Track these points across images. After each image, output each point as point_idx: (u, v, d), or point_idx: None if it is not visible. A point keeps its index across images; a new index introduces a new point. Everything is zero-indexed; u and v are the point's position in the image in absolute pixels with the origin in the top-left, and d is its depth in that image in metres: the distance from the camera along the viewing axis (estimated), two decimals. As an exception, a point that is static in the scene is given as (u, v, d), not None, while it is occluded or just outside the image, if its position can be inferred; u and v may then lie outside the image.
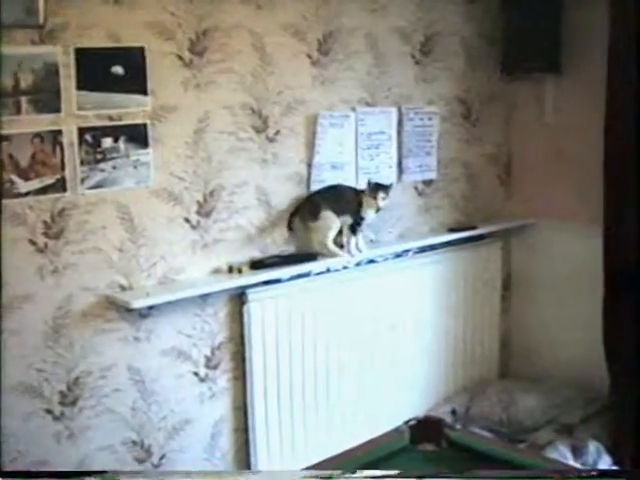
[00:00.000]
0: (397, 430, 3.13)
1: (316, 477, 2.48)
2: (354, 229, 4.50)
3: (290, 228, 4.43)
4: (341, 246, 4.52)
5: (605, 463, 4.57)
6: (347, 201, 4.48)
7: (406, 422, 3.14)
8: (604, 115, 4.57)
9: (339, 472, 2.59)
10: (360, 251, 4.57)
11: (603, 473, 2.68)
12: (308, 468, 3.00)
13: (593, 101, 4.67)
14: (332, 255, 4.47)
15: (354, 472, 2.62)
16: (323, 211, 4.40)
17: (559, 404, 5.08)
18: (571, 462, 4.41)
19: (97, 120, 3.76)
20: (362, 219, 4.50)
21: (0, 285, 3.55)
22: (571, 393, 5.14)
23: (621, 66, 4.45)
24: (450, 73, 5.09)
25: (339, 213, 4.43)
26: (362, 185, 4.60)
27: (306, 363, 4.51)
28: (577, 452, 4.61)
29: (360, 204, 4.48)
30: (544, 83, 5.20)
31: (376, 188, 4.47)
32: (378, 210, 4.52)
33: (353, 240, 4.52)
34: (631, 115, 4.41)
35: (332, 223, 4.43)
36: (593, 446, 4.63)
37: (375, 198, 4.46)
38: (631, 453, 4.63)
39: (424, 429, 3.10)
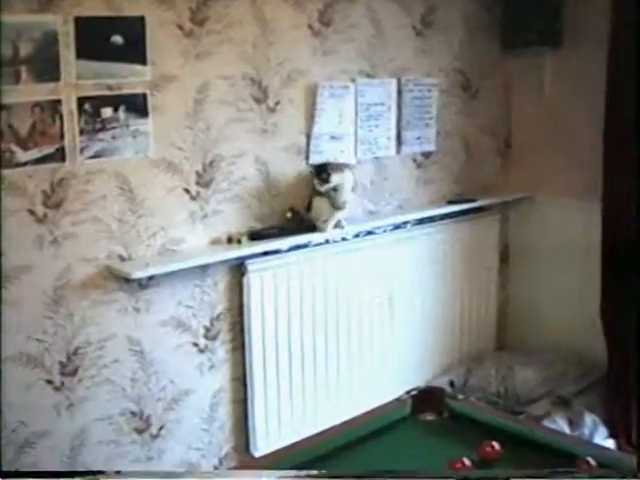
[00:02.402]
0: (399, 400, 3.13)
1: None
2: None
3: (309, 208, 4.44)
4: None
5: (601, 435, 4.59)
6: None
7: (408, 392, 3.15)
8: (605, 88, 4.56)
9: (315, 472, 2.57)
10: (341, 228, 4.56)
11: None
12: (308, 438, 3.00)
13: (593, 74, 4.67)
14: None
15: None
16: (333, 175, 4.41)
17: (556, 376, 5.09)
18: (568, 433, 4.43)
19: (96, 90, 3.74)
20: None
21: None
22: (568, 365, 5.15)
23: (623, 38, 4.43)
24: (450, 45, 5.07)
25: None
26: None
27: (305, 334, 4.52)
28: (574, 424, 4.63)
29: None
30: (544, 55, 5.17)
31: (319, 170, 4.41)
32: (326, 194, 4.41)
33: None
34: (633, 88, 4.40)
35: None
36: (589, 418, 4.66)
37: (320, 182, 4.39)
38: (626, 425, 4.67)
39: (426, 399, 3.11)
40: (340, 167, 4.43)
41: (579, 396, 4.94)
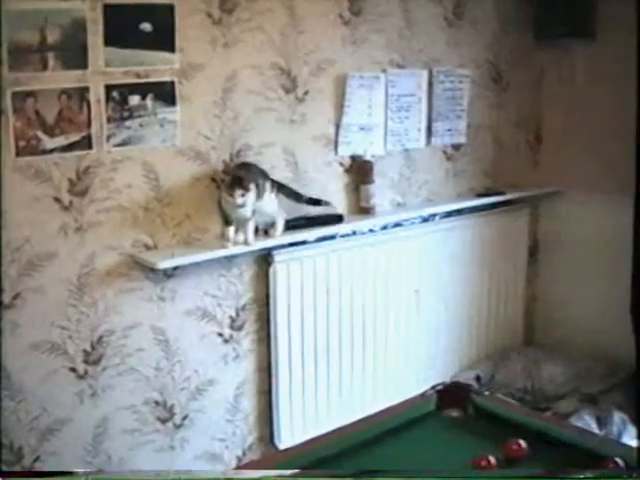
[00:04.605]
0: (423, 395, 3.09)
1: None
2: (225, 220, 4.01)
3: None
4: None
5: (630, 434, 4.54)
6: None
7: (433, 387, 3.11)
8: (637, 81, 4.50)
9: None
10: (248, 244, 4.06)
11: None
12: (331, 432, 2.97)
13: (626, 67, 4.60)
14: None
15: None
16: None
17: (583, 373, 5.05)
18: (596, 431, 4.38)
19: (124, 77, 3.72)
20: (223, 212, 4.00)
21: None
22: (596, 363, 5.11)
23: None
24: (482, 37, 5.02)
25: None
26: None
27: (330, 326, 4.50)
28: (602, 422, 4.58)
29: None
30: (576, 48, 5.11)
31: (232, 183, 3.91)
32: (239, 206, 3.90)
33: (230, 230, 4.00)
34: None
35: None
36: (618, 416, 4.60)
37: (232, 196, 3.88)
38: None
39: (451, 395, 3.07)
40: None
41: (607, 394, 4.89)
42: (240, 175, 3.96)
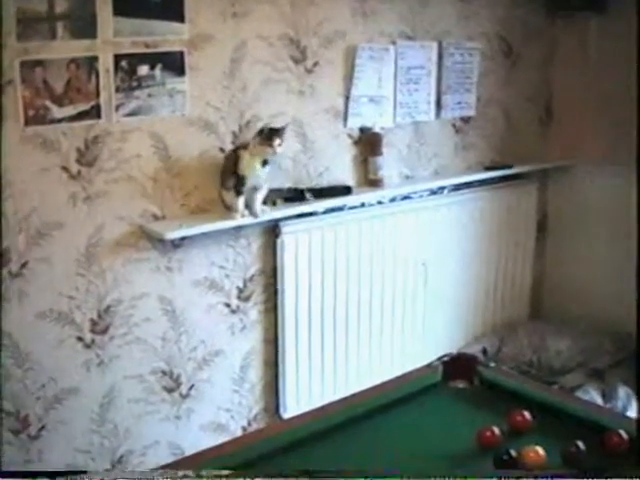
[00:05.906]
0: (430, 366, 3.10)
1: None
2: (237, 190, 4.00)
3: None
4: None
5: (635, 408, 4.55)
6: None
7: (439, 358, 3.11)
8: (637, 57, 4.48)
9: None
10: (255, 216, 4.05)
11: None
12: (336, 402, 2.98)
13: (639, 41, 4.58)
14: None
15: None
16: None
17: (590, 348, 5.05)
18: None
19: (133, 47, 3.70)
20: (242, 178, 3.96)
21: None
22: (602, 338, 5.11)
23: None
24: (493, 10, 4.98)
25: None
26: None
27: (338, 297, 4.50)
28: (607, 396, 4.59)
29: (237, 160, 3.98)
30: (588, 21, 5.08)
31: (270, 134, 3.90)
32: (265, 163, 3.97)
33: (240, 201, 4.00)
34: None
35: None
36: (623, 391, 4.62)
37: (271, 145, 3.90)
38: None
39: (457, 366, 3.07)
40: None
41: (613, 369, 4.90)
42: (275, 127, 3.96)
